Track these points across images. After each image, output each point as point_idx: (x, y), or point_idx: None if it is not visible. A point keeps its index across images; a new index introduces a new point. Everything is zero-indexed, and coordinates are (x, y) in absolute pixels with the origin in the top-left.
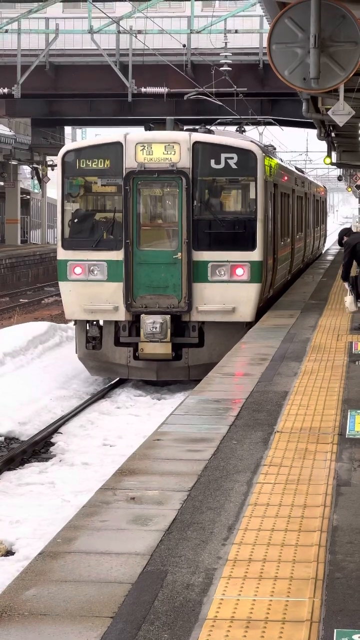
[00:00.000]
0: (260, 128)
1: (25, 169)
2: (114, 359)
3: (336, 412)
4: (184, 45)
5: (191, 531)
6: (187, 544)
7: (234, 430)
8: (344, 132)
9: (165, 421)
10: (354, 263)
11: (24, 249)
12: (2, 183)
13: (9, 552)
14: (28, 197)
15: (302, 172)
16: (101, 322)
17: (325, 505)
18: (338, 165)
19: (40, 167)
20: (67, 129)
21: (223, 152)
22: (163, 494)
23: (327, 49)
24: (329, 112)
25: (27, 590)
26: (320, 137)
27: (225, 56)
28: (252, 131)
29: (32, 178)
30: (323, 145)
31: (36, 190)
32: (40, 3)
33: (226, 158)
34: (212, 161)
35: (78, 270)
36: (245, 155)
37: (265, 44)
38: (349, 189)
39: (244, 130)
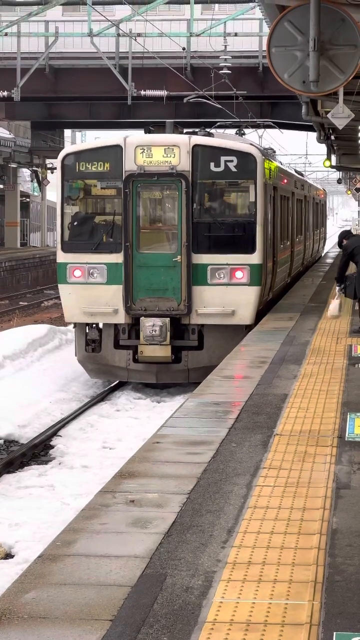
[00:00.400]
0: (260, 131)
1: (25, 172)
2: (114, 361)
3: (336, 415)
4: (184, 48)
5: (190, 534)
6: (186, 546)
7: (234, 433)
8: (343, 135)
9: (165, 424)
10: (351, 264)
11: (24, 252)
12: (1, 186)
13: (8, 555)
14: (28, 199)
15: (301, 175)
16: (101, 325)
17: (325, 508)
18: (338, 168)
19: (39, 170)
20: (67, 132)
21: (223, 155)
22: (162, 496)
23: (327, 52)
24: (329, 115)
25: (26, 593)
26: (319, 140)
27: (225, 59)
28: (251, 134)
29: (31, 181)
30: (323, 148)
31: (36, 193)
32: (40, 6)
33: (226, 161)
34: (212, 164)
35: (78, 273)
36: (245, 158)
37: (264, 47)
38: (349, 192)
39: (244, 133)
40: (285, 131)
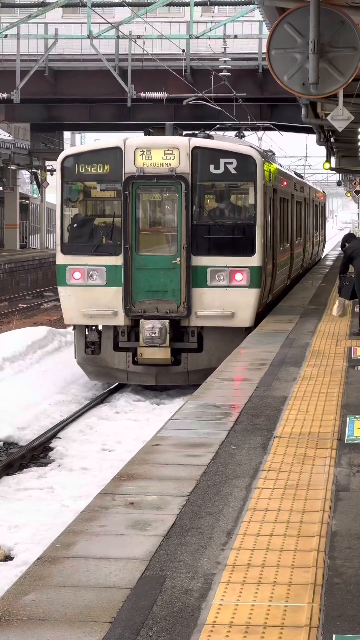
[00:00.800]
0: (260, 133)
1: (25, 174)
2: (113, 364)
3: (335, 418)
4: (184, 51)
5: (190, 536)
6: (186, 549)
7: (233, 435)
8: (343, 138)
9: (165, 426)
10: (350, 267)
11: (23, 254)
12: (1, 188)
13: (7, 558)
14: (27, 202)
15: (301, 177)
16: (100, 327)
17: (325, 510)
18: (337, 170)
19: (39, 172)
20: (67, 134)
21: (222, 157)
22: (162, 499)
23: (327, 54)
24: (329, 118)
25: (26, 596)
26: (319, 143)
27: (225, 61)
28: (251, 136)
29: (31, 183)
30: (322, 150)
31: (35, 196)
32: (40, 8)
33: (226, 163)
34: (212, 166)
35: (77, 275)
36: (245, 161)
37: (264, 50)
38: (349, 195)
39: (244, 136)
40: (285, 134)
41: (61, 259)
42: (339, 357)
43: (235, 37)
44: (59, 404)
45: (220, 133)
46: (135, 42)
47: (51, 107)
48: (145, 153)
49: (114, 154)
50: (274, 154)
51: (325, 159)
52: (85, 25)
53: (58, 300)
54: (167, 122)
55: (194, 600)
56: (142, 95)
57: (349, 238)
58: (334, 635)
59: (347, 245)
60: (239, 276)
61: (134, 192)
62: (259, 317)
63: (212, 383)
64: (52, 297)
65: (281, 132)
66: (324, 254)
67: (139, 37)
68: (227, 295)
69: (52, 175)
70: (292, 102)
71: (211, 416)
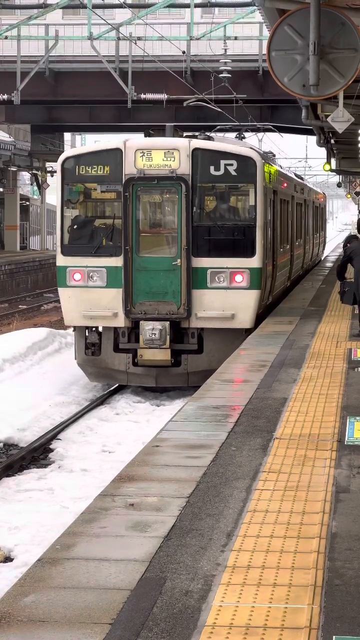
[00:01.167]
0: (260, 135)
1: (25, 175)
2: (113, 365)
3: (335, 419)
4: (184, 52)
5: (190, 538)
6: (186, 550)
7: (233, 436)
8: (343, 139)
9: (164, 427)
10: (349, 268)
11: (23, 255)
12: (1, 189)
13: (7, 559)
14: (27, 203)
15: (301, 178)
16: (100, 329)
17: (324, 512)
18: (337, 172)
19: (39, 173)
20: (67, 135)
21: (222, 158)
22: (162, 500)
23: (327, 55)
24: (329, 119)
25: (25, 597)
26: (319, 144)
27: (225, 63)
28: (251, 138)
29: (31, 184)
30: (322, 152)
31: (35, 197)
32: (40, 9)
33: (226, 165)
34: (212, 168)
35: (77, 276)
36: (245, 162)
37: (264, 51)
38: (349, 196)
39: (244, 137)
40: (285, 135)
41: (61, 260)
42: (339, 358)
43: (236, 38)
44: (59, 405)
45: (220, 134)
46: (136, 43)
47: (51, 108)
48: (145, 154)
49: (114, 155)
50: (274, 155)
51: (325, 160)
52: (86, 26)
53: (58, 301)
54: (167, 124)
55: (193, 602)
56: (142, 96)
57: (350, 239)
58: (334, 637)
59: (348, 245)
60: (238, 277)
61: (134, 193)
62: (259, 318)
63: (212, 384)
64: (52, 298)
65: (281, 134)
66: (324, 255)
67: (139, 39)
68: (227, 296)
69: (52, 176)
70: (292, 103)
71: (211, 417)
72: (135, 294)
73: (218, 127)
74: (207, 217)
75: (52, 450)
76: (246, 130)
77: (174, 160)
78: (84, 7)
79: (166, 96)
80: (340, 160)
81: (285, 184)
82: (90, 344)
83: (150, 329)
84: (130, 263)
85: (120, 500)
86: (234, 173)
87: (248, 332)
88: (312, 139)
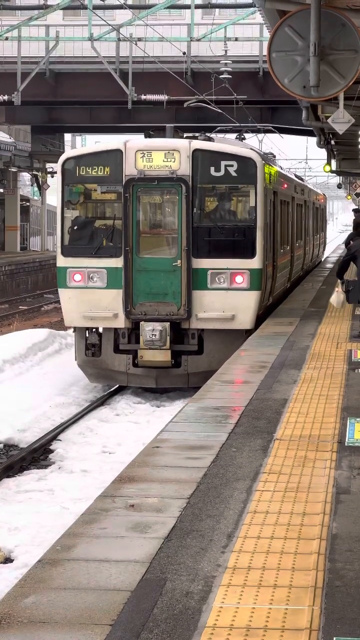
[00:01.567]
0: (260, 136)
1: (25, 176)
2: (114, 366)
3: (335, 420)
4: (184, 53)
5: (190, 539)
6: (186, 551)
7: (234, 437)
8: (343, 140)
9: (165, 428)
10: (352, 266)
11: (24, 256)
12: (1, 190)
13: (7, 560)
14: (28, 204)
15: (301, 179)
16: (100, 329)
17: (325, 513)
18: (338, 173)
19: (40, 174)
20: (67, 136)
21: (223, 159)
22: (162, 501)
23: (327, 57)
24: (329, 120)
25: (26, 598)
26: (320, 145)
27: (225, 64)
28: (251, 139)
29: (31, 185)
30: (323, 153)
31: (36, 197)
32: (41, 10)
33: (226, 165)
34: (212, 169)
35: (78, 277)
36: (245, 163)
37: (265, 52)
38: (349, 197)
39: (244, 138)
40: (285, 136)
41: (61, 261)
42: (339, 359)
43: (236, 39)
44: (59, 406)
45: (221, 135)
46: (136, 44)
47: (51, 109)
48: (145, 155)
49: (115, 156)
50: (274, 156)
51: (325, 161)
52: (86, 27)
53: (58, 302)
54: (168, 124)
55: (194, 603)
56: (143, 97)
57: (353, 237)
58: (334, 638)
59: (351, 242)
60: (239, 278)
61: (134, 194)
62: (259, 319)
63: (212, 385)
64: (52, 299)
65: (281, 135)
66: (324, 256)
67: (139, 39)
68: (227, 297)
69: (52, 177)
70: (293, 104)
71: (211, 418)
72: (135, 295)
73: (218, 128)
74: (207, 218)
75: (52, 451)
76: (246, 131)
77: (174, 161)
78: (85, 8)
79: (166, 97)
80: (341, 161)
81: (286, 185)
82: (91, 344)
83: (150, 330)
84: (131, 264)
85: (121, 501)
86: (234, 174)
87: (248, 333)
88: (313, 140)
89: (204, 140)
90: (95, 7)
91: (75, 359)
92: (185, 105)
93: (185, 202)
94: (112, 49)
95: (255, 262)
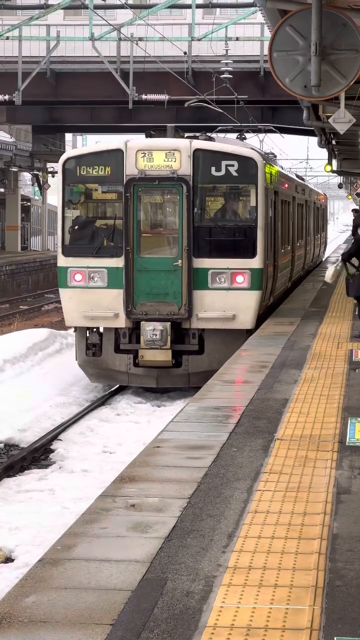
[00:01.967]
0: (261, 135)
1: (26, 176)
2: (114, 366)
3: (336, 420)
4: (185, 53)
5: (191, 538)
6: (187, 551)
7: (234, 437)
8: (344, 140)
9: (165, 428)
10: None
11: (24, 256)
12: (2, 190)
13: (8, 559)
14: (28, 203)
15: (302, 179)
16: (101, 329)
17: (326, 513)
18: (338, 172)
19: (40, 173)
20: (68, 136)
21: (224, 159)
22: (163, 501)
23: (328, 56)
24: (330, 120)
25: (26, 597)
26: (320, 145)
27: (226, 63)
28: (252, 139)
29: (32, 185)
30: (324, 152)
31: (37, 197)
32: (42, 10)
33: (227, 165)
34: (213, 168)
35: (78, 277)
36: (246, 163)
37: (266, 52)
38: (350, 197)
39: (245, 138)
40: (286, 136)
41: (62, 261)
42: (340, 359)
43: (237, 39)
44: (60, 406)
45: (222, 135)
46: (137, 44)
47: (52, 109)
48: (146, 155)
49: (115, 156)
50: (275, 156)
51: (326, 161)
52: (87, 27)
53: (59, 301)
54: (169, 124)
55: (194, 603)
56: (144, 97)
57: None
58: (335, 638)
59: (359, 230)
60: (239, 278)
61: (135, 193)
62: (260, 319)
63: (212, 385)
64: (53, 298)
65: (282, 134)
66: (325, 256)
67: (140, 39)
68: (228, 297)
69: (53, 176)
70: (294, 104)
71: (212, 418)
72: (136, 295)
73: (219, 127)
74: (208, 218)
75: (52, 451)
76: (247, 131)
77: (175, 161)
78: (86, 7)
79: (167, 97)
80: (342, 161)
81: (287, 185)
82: (91, 344)
83: (151, 330)
84: (131, 264)
85: (121, 501)
86: (235, 174)
87: (249, 333)
88: (314, 139)
89: (204, 140)
90: (96, 7)
91: (76, 359)
92: (186, 105)
93: (186, 201)
94: (113, 49)
95: (256, 262)
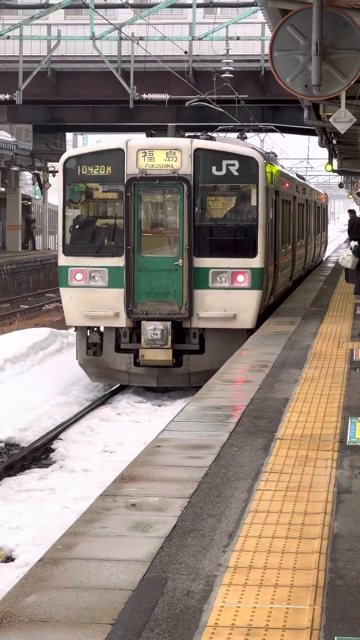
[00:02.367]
0: (262, 135)
1: (27, 175)
2: (115, 365)
3: (337, 420)
4: (186, 52)
5: (191, 538)
6: (187, 550)
7: (235, 437)
8: (345, 140)
9: (166, 428)
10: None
11: (25, 255)
12: (3, 189)
13: (8, 559)
14: (29, 203)
15: (303, 179)
16: (102, 329)
17: (326, 512)
18: (339, 172)
19: (41, 173)
20: (69, 135)
21: (224, 158)
22: (163, 500)
23: (329, 56)
24: (331, 120)
25: (27, 597)
26: (321, 145)
27: (227, 63)
28: (253, 138)
29: (33, 184)
30: (324, 152)
31: (37, 197)
32: (42, 9)
33: (227, 165)
34: (214, 168)
35: (79, 276)
36: (247, 162)
37: (266, 51)
38: (350, 196)
39: (246, 137)
40: (287, 135)
41: (63, 260)
42: (341, 358)
43: (238, 38)
44: (60, 405)
45: (222, 134)
46: (138, 43)
47: (53, 108)
48: (147, 154)
49: (116, 155)
50: (276, 156)
51: (327, 160)
52: (88, 26)
53: (59, 301)
54: (169, 124)
55: (195, 602)
56: (144, 96)
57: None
58: (335, 637)
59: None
60: (240, 278)
61: (136, 193)
62: (261, 318)
63: (213, 384)
64: (54, 298)
65: (283, 134)
66: (326, 255)
67: (141, 39)
68: (228, 296)
69: (54, 176)
70: (294, 103)
71: (212, 417)
72: (136, 294)
73: (220, 127)
74: (208, 217)
75: (53, 450)
76: (248, 131)
77: (175, 161)
78: (86, 7)
79: (168, 96)
80: (342, 160)
81: (287, 185)
82: (92, 344)
83: (151, 329)
84: (132, 263)
85: (122, 500)
86: (235, 173)
87: (250, 332)
88: (314, 139)
89: (205, 139)
90: (97, 6)
91: (77, 358)
92: (186, 104)
93: (187, 201)
94: (113, 48)
95: (256, 262)
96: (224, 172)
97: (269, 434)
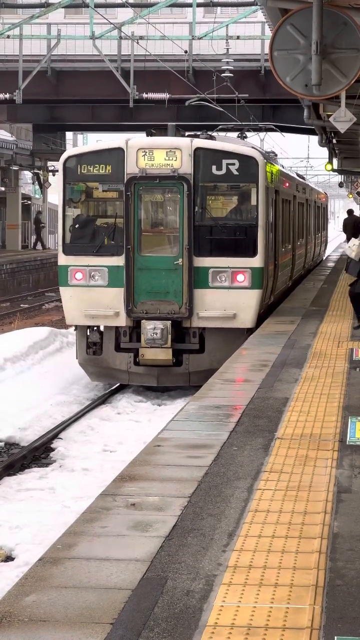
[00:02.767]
0: (262, 134)
1: (27, 175)
2: (115, 364)
3: (337, 419)
4: (186, 52)
5: (191, 537)
6: (187, 550)
7: (235, 436)
8: (345, 139)
9: (166, 427)
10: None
11: (25, 254)
12: (3, 188)
13: (8, 558)
14: (29, 202)
15: (303, 178)
16: (102, 328)
17: (326, 512)
18: (339, 171)
19: (41, 172)
20: (69, 135)
21: (224, 158)
22: (163, 500)
23: (329, 55)
24: (331, 119)
25: (27, 596)
26: (321, 144)
27: (227, 62)
28: (253, 137)
29: (33, 183)
30: (324, 151)
31: (37, 196)
32: (42, 9)
33: (227, 164)
34: (214, 167)
35: (79, 275)
36: (247, 162)
37: (267, 51)
38: (350, 196)
39: (246, 137)
40: (287, 135)
41: (63, 260)
42: (341, 358)
43: (238, 38)
44: (60, 405)
45: (222, 134)
46: (138, 42)
47: (53, 108)
48: (147, 153)
49: (116, 155)
50: (276, 155)
51: (327, 160)
52: (88, 25)
53: (59, 300)
54: (169, 123)
55: (195, 602)
56: (144, 95)
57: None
58: (335, 637)
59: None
60: (240, 277)
61: (136, 192)
62: (261, 318)
63: (213, 384)
64: (54, 297)
65: (283, 133)
66: (326, 255)
67: (141, 38)
68: (228, 296)
69: (53, 175)
70: (294, 103)
71: (212, 417)
72: (136, 294)
73: (220, 126)
74: (208, 217)
75: (53, 450)
76: (248, 130)
77: (175, 160)
78: (86, 6)
79: (168, 95)
80: (342, 160)
81: (287, 184)
82: (92, 343)
83: (151, 329)
84: (132, 262)
85: (122, 499)
86: (235, 172)
87: (249, 331)
88: (314, 138)
89: (205, 138)
90: (97, 5)
91: (77, 358)
92: (186, 103)
93: (187, 200)
94: (113, 48)
95: (256, 261)
96: (224, 171)
97: (269, 434)
